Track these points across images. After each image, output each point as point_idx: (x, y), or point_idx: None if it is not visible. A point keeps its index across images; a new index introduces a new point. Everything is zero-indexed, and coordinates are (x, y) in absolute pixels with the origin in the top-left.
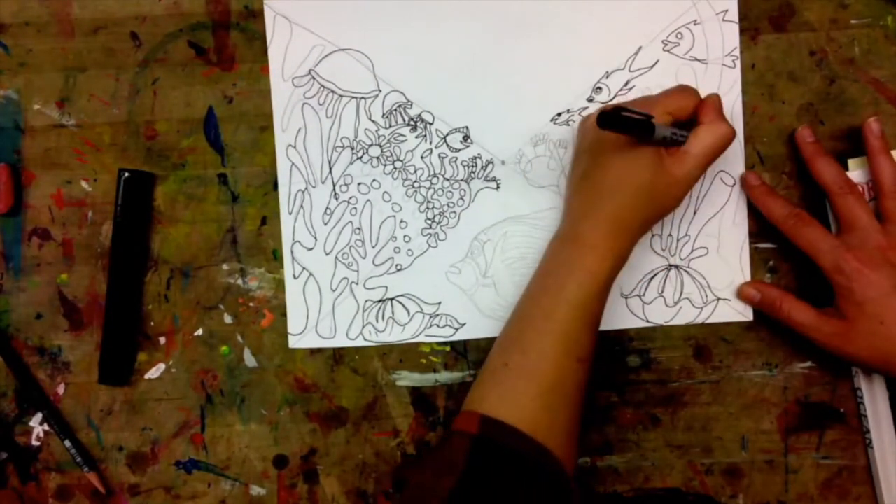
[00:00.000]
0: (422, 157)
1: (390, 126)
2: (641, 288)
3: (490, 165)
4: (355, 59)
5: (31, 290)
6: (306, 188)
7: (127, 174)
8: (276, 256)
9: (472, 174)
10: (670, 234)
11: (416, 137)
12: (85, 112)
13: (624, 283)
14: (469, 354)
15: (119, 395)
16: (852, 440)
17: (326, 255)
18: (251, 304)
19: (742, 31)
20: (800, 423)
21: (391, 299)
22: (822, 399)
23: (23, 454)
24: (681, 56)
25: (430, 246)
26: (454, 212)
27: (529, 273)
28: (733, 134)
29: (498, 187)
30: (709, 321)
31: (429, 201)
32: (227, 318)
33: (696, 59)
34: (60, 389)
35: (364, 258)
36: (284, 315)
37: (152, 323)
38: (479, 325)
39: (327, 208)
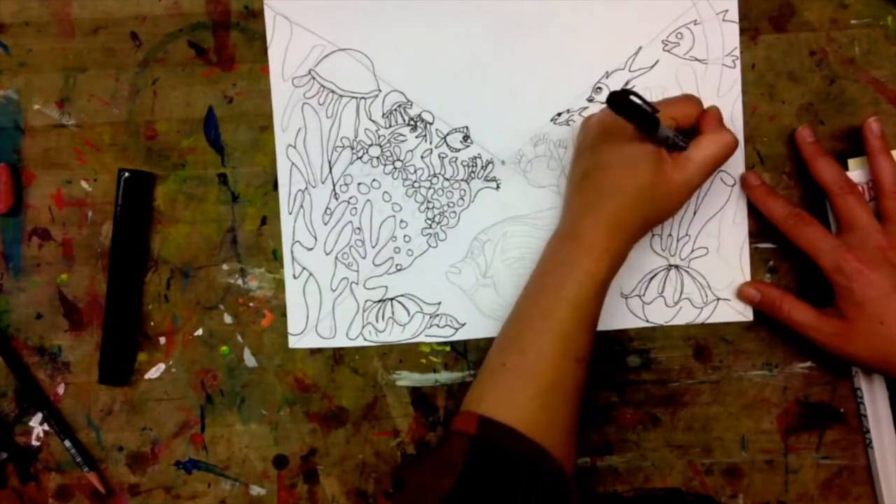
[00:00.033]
0: (422, 157)
1: (390, 126)
2: (641, 288)
3: (490, 165)
4: (355, 59)
5: (31, 290)
6: (306, 188)
7: (127, 174)
8: (276, 256)
9: (472, 174)
10: (670, 234)
11: (416, 137)
12: (85, 112)
13: (624, 283)
14: (469, 354)
15: (119, 395)
16: (852, 440)
17: (326, 255)
18: (251, 304)
19: (742, 31)
20: (800, 423)
21: (391, 299)
22: (822, 399)
23: (23, 454)
24: (681, 56)
25: (430, 246)
26: (454, 212)
27: (529, 273)
28: (736, 144)
29: (498, 187)
30: (709, 321)
31: (429, 201)
32: (227, 318)
33: (696, 59)
34: (60, 389)
35: (364, 258)
36: (284, 315)
37: (152, 323)
38: (479, 325)
39: (327, 208)
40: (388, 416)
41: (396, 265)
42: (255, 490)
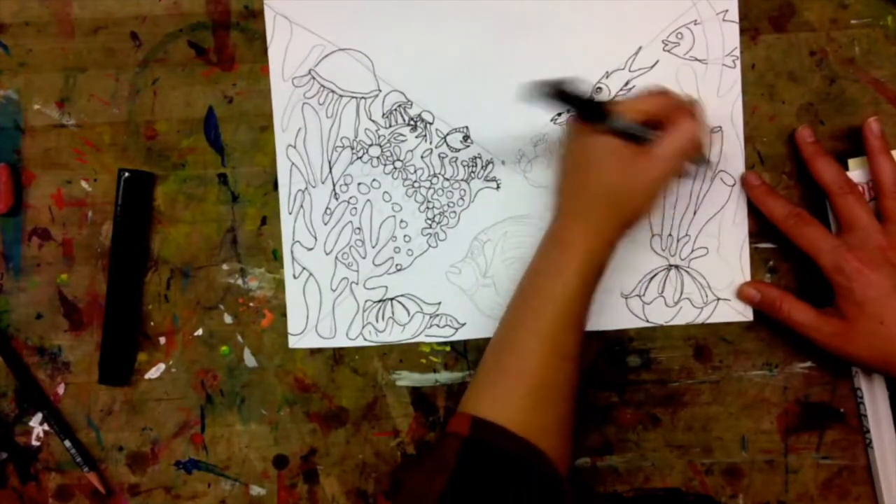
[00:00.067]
0: (422, 157)
1: (390, 126)
2: (641, 288)
3: (490, 165)
4: (355, 59)
5: (31, 290)
6: (306, 188)
7: (127, 174)
8: (276, 256)
9: (472, 174)
10: (670, 234)
11: (416, 137)
12: (85, 112)
13: (624, 283)
14: (469, 354)
15: (119, 395)
16: (852, 440)
17: (326, 255)
18: (251, 304)
19: (742, 31)
20: (800, 423)
21: (391, 299)
22: (822, 399)
23: (23, 454)
24: (681, 56)
25: (430, 246)
26: (454, 212)
27: None
28: (698, 133)
29: (498, 187)
30: (709, 321)
31: (429, 201)
32: (227, 318)
33: (696, 59)
34: (60, 389)
35: (364, 258)
36: (284, 315)
37: (152, 323)
38: (479, 325)
39: (327, 208)
40: (388, 416)
41: (396, 265)
42: (255, 490)
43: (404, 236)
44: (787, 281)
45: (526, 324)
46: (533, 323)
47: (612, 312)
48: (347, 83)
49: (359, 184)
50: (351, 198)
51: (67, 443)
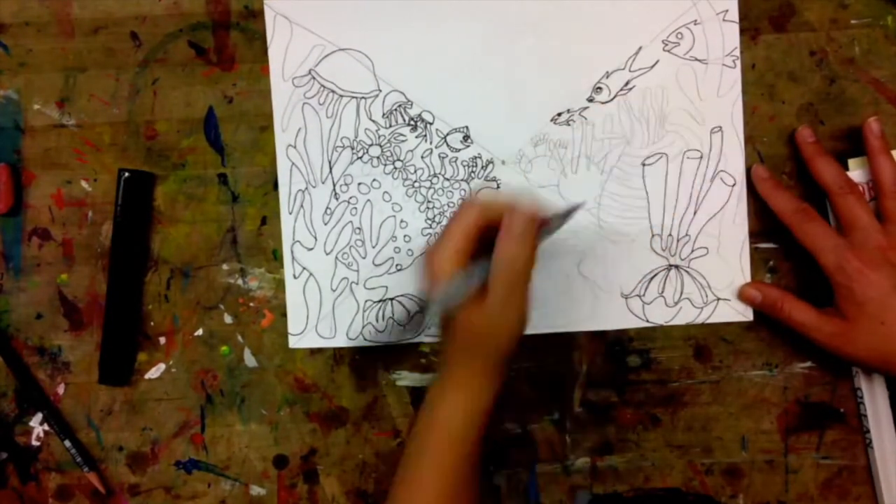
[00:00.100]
0: (422, 157)
1: (390, 126)
2: (641, 288)
3: (490, 165)
4: (355, 59)
5: (31, 290)
6: (306, 188)
7: (127, 174)
8: (276, 256)
9: (473, 174)
10: (670, 235)
11: (417, 137)
12: (85, 112)
13: (624, 284)
14: None
15: (119, 395)
16: (852, 440)
17: (326, 255)
18: (251, 304)
19: (742, 31)
20: (800, 423)
21: (391, 299)
22: (822, 399)
23: (23, 454)
24: (681, 56)
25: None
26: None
27: None
28: (524, 254)
29: (498, 187)
30: (709, 321)
31: (429, 201)
32: (227, 318)
33: (697, 59)
34: (60, 389)
35: (364, 258)
36: (284, 315)
37: (152, 323)
38: None
39: (327, 208)
40: (388, 416)
41: (397, 265)
42: (255, 490)
43: (404, 236)
44: (788, 281)
45: (416, 459)
46: (422, 458)
47: (612, 312)
48: (347, 83)
49: (359, 184)
50: (351, 198)
51: (67, 443)
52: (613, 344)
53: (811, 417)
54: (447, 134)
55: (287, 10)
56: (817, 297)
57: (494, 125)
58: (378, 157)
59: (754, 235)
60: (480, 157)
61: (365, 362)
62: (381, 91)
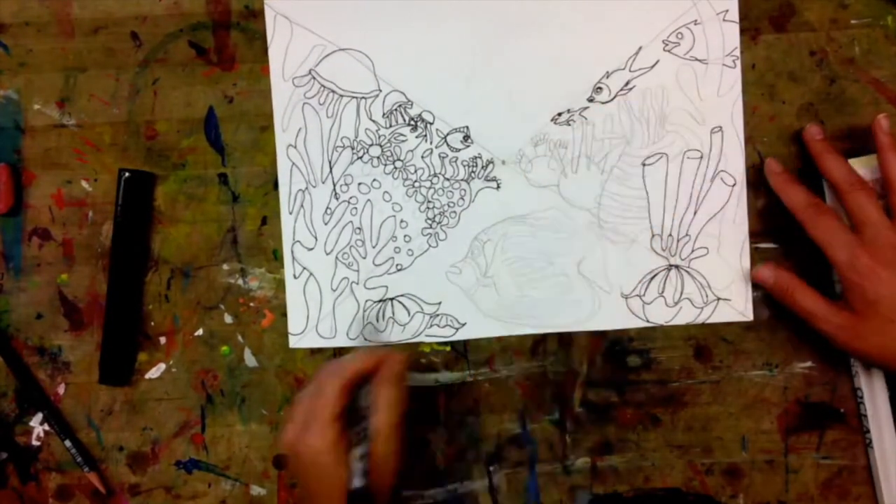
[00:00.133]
0: (422, 157)
1: (391, 126)
2: (641, 288)
3: (490, 165)
4: (356, 58)
5: (31, 290)
6: (306, 188)
7: (127, 174)
8: (277, 256)
9: (473, 174)
10: (670, 235)
11: (417, 137)
12: (85, 112)
13: (624, 284)
14: (469, 354)
15: (119, 395)
16: (852, 440)
17: (327, 254)
18: (251, 304)
19: (742, 31)
20: (800, 423)
21: (391, 299)
22: (822, 399)
23: (23, 454)
24: (681, 56)
25: (430, 246)
26: (454, 212)
27: (530, 273)
28: (402, 396)
29: (498, 187)
30: (709, 321)
31: (429, 201)
32: (228, 318)
33: (697, 59)
34: (61, 389)
35: (364, 258)
36: (285, 315)
37: (152, 323)
38: (480, 324)
39: (328, 208)
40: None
41: (397, 265)
42: (256, 490)
43: (404, 236)
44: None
45: None
46: None
47: (613, 312)
48: (348, 83)
49: (359, 184)
50: (351, 198)
51: (68, 443)
52: (613, 344)
53: (811, 417)
54: (447, 134)
55: (287, 10)
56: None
57: (494, 125)
58: (378, 157)
59: (754, 235)
60: (480, 157)
61: None
62: (381, 91)
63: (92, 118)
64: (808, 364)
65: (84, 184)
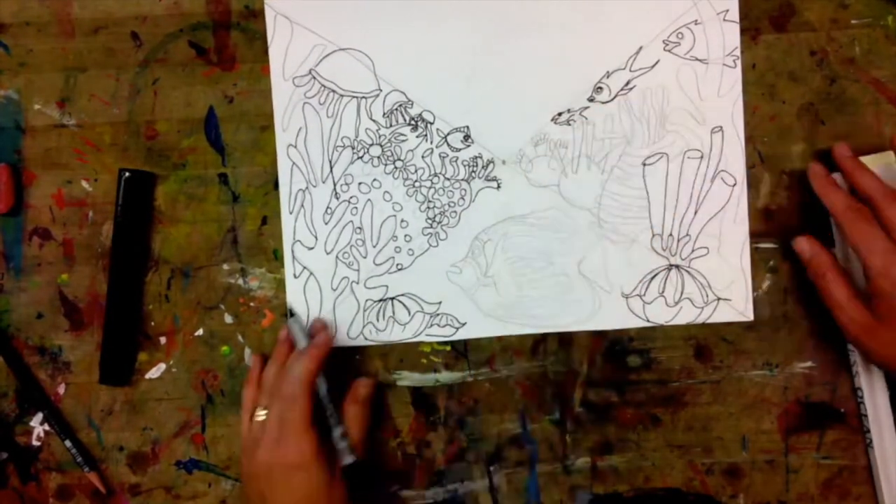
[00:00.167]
0: (422, 157)
1: (391, 126)
2: (642, 287)
3: (491, 165)
4: (356, 58)
5: (31, 290)
6: (307, 188)
7: (127, 174)
8: (277, 256)
9: (473, 174)
10: (671, 234)
11: (417, 137)
12: (85, 112)
13: (624, 283)
14: (469, 354)
15: (119, 395)
16: (852, 440)
17: (327, 254)
18: (252, 304)
19: (742, 31)
20: (800, 423)
21: (392, 299)
22: (822, 399)
23: (23, 454)
24: (681, 56)
25: (430, 245)
26: (455, 211)
27: (530, 273)
28: (369, 414)
29: (499, 187)
30: (709, 321)
31: (429, 201)
32: (228, 318)
33: (697, 59)
34: (61, 389)
35: (365, 258)
36: (285, 315)
37: (153, 323)
38: (480, 324)
39: (328, 208)
40: (388, 416)
41: (397, 265)
42: None
43: (405, 236)
44: (787, 281)
45: None
46: None
47: (613, 312)
48: (348, 83)
49: (359, 183)
50: (351, 197)
51: (68, 443)
52: (613, 344)
53: (811, 417)
54: (448, 133)
55: (287, 10)
56: (816, 296)
57: (495, 125)
58: (378, 157)
59: (754, 235)
60: (481, 157)
61: (365, 362)
62: (381, 91)
63: (92, 118)
64: (808, 364)
65: (84, 184)
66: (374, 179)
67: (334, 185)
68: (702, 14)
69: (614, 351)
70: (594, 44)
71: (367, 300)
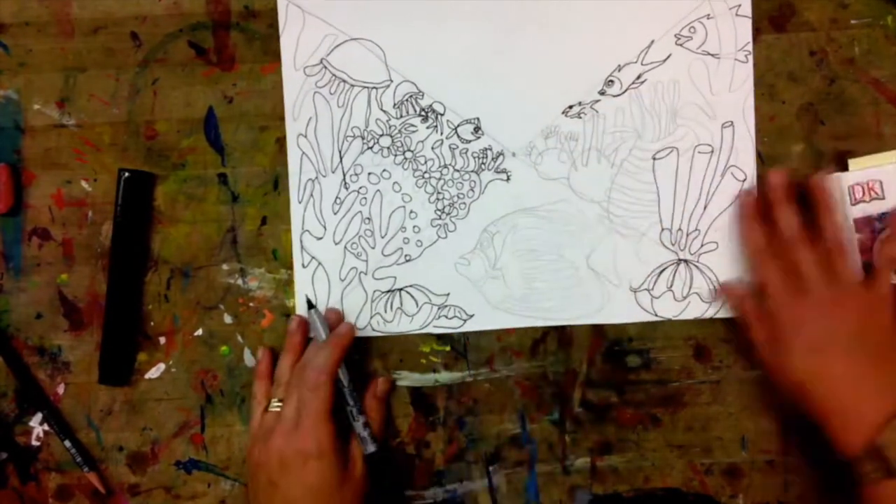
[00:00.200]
0: (432, 148)
1: (401, 116)
2: (650, 282)
3: (500, 157)
4: (367, 48)
5: (31, 290)
6: (316, 177)
7: (127, 174)
8: (276, 256)
9: (483, 165)
10: (680, 229)
11: (427, 128)
12: (85, 112)
13: (633, 277)
14: (469, 354)
15: (119, 395)
16: None
17: (336, 244)
18: (251, 304)
19: None
20: (799, 423)
21: (400, 290)
22: None
23: (23, 454)
24: (693, 50)
25: (439, 237)
26: (464, 203)
27: (539, 265)
28: (382, 412)
29: (508, 179)
30: (718, 316)
31: (439, 192)
32: (227, 318)
33: (709, 54)
34: (60, 389)
35: (373, 248)
36: (285, 315)
37: (152, 323)
38: (488, 316)
39: (337, 198)
40: (389, 416)
41: (405, 256)
42: None
43: (414, 227)
44: None
45: None
46: None
47: (621, 306)
48: (359, 73)
49: (369, 174)
50: (361, 188)
51: (67, 443)
52: (613, 344)
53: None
54: (458, 125)
55: (300, 0)
56: None
57: (505, 117)
58: (388, 148)
59: None
60: (491, 149)
61: (365, 362)
62: (392, 81)
63: (92, 118)
64: None
65: (84, 184)
66: (384, 170)
67: (344, 175)
68: (714, 8)
69: (614, 351)
70: (606, 37)
71: (375, 291)
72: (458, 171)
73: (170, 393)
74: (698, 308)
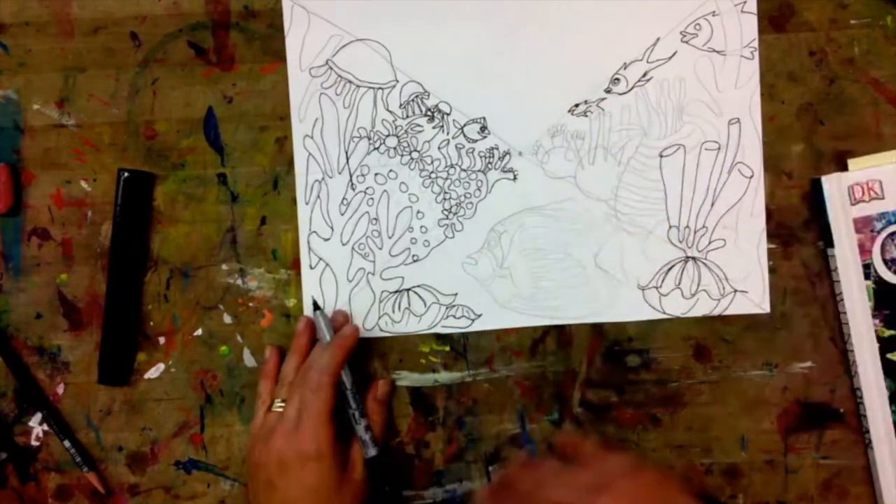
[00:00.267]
0: (439, 148)
1: (407, 116)
2: (658, 279)
3: (507, 156)
4: (373, 49)
5: (30, 290)
6: (323, 178)
7: (126, 174)
8: (276, 256)
9: (489, 165)
10: (687, 226)
11: (434, 128)
12: (85, 112)
13: (641, 275)
14: (469, 354)
15: (118, 395)
16: (852, 440)
17: (343, 245)
18: (251, 304)
19: None
20: (799, 423)
21: (407, 290)
22: (821, 399)
23: (22, 454)
24: (699, 47)
25: (446, 237)
26: (471, 202)
27: (546, 264)
28: (384, 414)
29: (515, 178)
30: (726, 313)
31: (445, 192)
32: (227, 318)
33: (715, 51)
34: (60, 389)
35: (381, 249)
36: (284, 315)
37: (152, 323)
38: (496, 315)
39: (344, 199)
40: (388, 417)
41: (413, 256)
42: None
43: (421, 227)
44: (787, 281)
45: None
46: None
47: (629, 304)
48: (365, 73)
49: (376, 174)
50: (368, 188)
51: (67, 443)
52: (613, 344)
53: (811, 417)
54: (464, 125)
55: (305, 1)
56: (817, 294)
57: (511, 116)
58: (395, 148)
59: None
60: (497, 148)
61: (365, 362)
62: (398, 81)
63: (91, 118)
64: (808, 364)
65: (83, 184)
66: (391, 170)
67: (350, 176)
68: (719, 5)
69: (613, 351)
70: (611, 35)
71: (382, 291)
72: (464, 170)
73: (169, 393)
74: (707, 305)
